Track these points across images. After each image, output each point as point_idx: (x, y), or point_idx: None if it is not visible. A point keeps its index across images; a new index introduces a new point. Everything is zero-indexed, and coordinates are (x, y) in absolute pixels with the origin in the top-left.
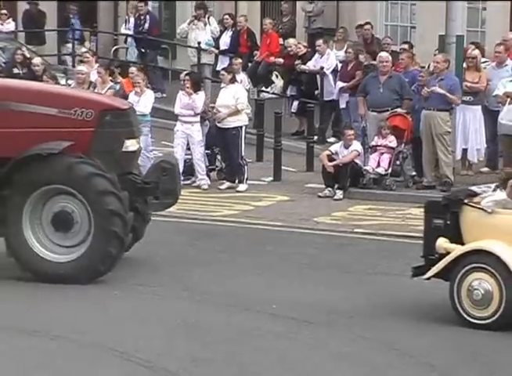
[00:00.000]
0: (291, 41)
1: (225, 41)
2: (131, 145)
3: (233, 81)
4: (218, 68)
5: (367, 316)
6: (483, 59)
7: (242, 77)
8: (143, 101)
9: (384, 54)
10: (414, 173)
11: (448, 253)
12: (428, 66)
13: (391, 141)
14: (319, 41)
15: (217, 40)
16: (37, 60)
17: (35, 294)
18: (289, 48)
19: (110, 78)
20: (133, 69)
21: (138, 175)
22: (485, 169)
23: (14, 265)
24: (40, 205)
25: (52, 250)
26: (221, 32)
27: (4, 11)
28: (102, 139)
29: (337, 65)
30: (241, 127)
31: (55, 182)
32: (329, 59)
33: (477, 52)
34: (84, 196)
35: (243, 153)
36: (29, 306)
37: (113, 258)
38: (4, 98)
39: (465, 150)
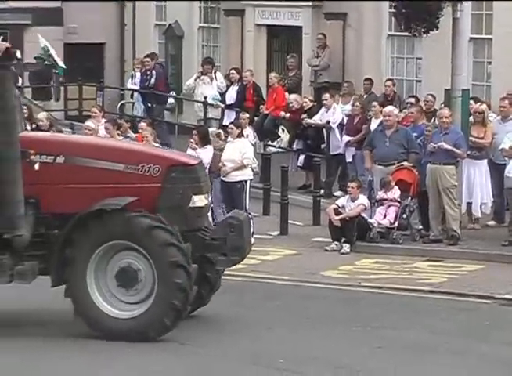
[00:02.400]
0: (292, 97)
1: (232, 95)
2: (198, 201)
3: (240, 135)
4: (225, 123)
5: (374, 370)
6: (490, 113)
7: (248, 131)
8: None
9: (387, 108)
10: (421, 227)
11: None
12: (434, 120)
13: (396, 193)
14: (326, 95)
15: (223, 94)
16: (41, 115)
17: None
18: (291, 105)
19: (118, 133)
20: (143, 124)
21: (208, 231)
22: (492, 223)
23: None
24: (104, 261)
25: (117, 307)
26: (227, 87)
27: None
28: (169, 194)
29: (343, 119)
30: (246, 181)
31: (117, 238)
32: (335, 113)
33: (484, 106)
34: (145, 250)
35: (247, 207)
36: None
37: (179, 311)
38: (71, 153)
39: (470, 204)
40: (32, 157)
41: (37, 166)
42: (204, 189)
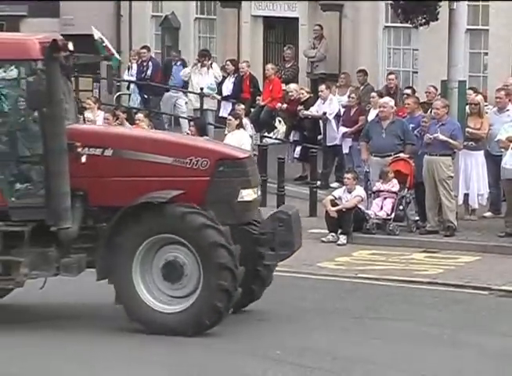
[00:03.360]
0: (292, 86)
1: (228, 86)
2: (247, 195)
3: (239, 126)
4: (221, 114)
5: (371, 361)
6: (485, 104)
7: (245, 122)
8: None
9: (383, 99)
10: (417, 218)
11: None
12: (430, 112)
13: (394, 186)
14: (322, 87)
15: (219, 86)
16: None
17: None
18: (290, 94)
19: (115, 124)
20: (139, 115)
21: (257, 225)
22: (488, 214)
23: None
24: (151, 254)
25: (160, 300)
26: (224, 78)
27: None
28: (217, 188)
29: (339, 110)
30: None
31: (167, 232)
32: (331, 104)
33: (480, 97)
34: (194, 247)
35: None
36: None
37: (220, 313)
38: (120, 146)
39: (467, 195)
40: (79, 149)
41: (84, 158)
42: (253, 183)
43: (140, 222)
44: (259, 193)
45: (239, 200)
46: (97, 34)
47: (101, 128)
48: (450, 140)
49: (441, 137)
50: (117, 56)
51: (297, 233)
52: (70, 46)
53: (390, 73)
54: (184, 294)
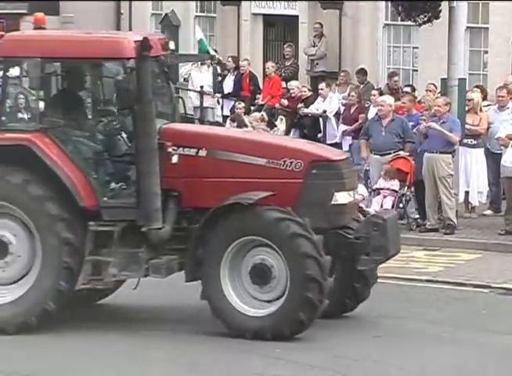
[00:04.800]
0: (294, 83)
1: (229, 84)
2: (341, 198)
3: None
4: (224, 112)
5: (371, 360)
6: (486, 103)
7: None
8: None
9: (381, 98)
10: (417, 216)
11: None
12: (431, 110)
13: (394, 184)
14: (322, 85)
15: (220, 83)
16: (41, 105)
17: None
18: (292, 91)
19: None
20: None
21: (352, 228)
22: (488, 212)
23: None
24: (240, 256)
25: (247, 302)
26: (224, 76)
27: None
28: (311, 191)
29: (339, 108)
30: None
31: (256, 234)
32: (331, 102)
33: (474, 95)
34: (284, 254)
35: None
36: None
37: (303, 324)
38: (214, 146)
39: (467, 193)
40: (170, 149)
41: (175, 158)
42: (348, 186)
43: (228, 224)
44: (356, 196)
45: (332, 203)
46: (199, 35)
47: (196, 128)
48: (445, 131)
49: (436, 126)
50: (219, 57)
51: (393, 238)
52: (172, 45)
53: (393, 73)
54: (270, 299)
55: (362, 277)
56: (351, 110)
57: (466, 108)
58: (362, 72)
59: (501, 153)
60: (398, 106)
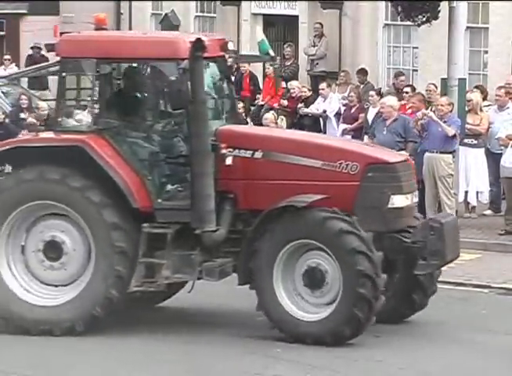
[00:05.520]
0: (294, 83)
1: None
2: (398, 201)
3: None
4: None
5: (371, 359)
6: (486, 103)
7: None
8: None
9: (382, 99)
10: None
11: None
12: (431, 109)
13: None
14: (323, 85)
15: (218, 82)
16: (43, 104)
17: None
18: (292, 90)
19: None
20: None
21: (410, 232)
22: (488, 212)
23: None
24: (293, 260)
25: (301, 307)
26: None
27: (7, 56)
28: (367, 194)
29: (339, 108)
30: None
31: (307, 237)
32: (331, 102)
33: (473, 95)
34: (334, 253)
35: None
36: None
37: (360, 322)
38: (270, 148)
39: (467, 193)
40: (223, 150)
41: (230, 160)
42: (405, 189)
43: (281, 227)
44: (415, 199)
45: (389, 206)
46: (260, 36)
47: (252, 130)
48: (441, 123)
49: (433, 117)
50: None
51: (451, 243)
52: (230, 46)
53: (400, 73)
54: (325, 302)
55: (420, 288)
56: (352, 110)
57: (467, 108)
58: (363, 72)
59: (501, 154)
60: (401, 106)
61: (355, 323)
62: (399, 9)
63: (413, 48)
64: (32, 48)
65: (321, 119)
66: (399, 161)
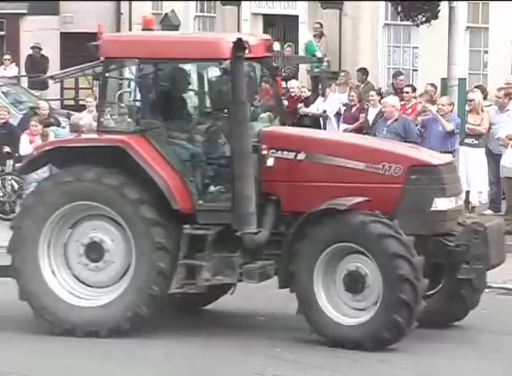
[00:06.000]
0: (294, 83)
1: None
2: (441, 204)
3: None
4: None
5: (371, 359)
6: (487, 102)
7: None
8: None
9: (384, 99)
10: None
11: None
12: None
13: None
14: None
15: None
16: (44, 104)
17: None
18: (291, 90)
19: None
20: None
21: (454, 235)
22: (488, 212)
23: None
24: (334, 263)
25: (342, 311)
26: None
27: (7, 56)
28: (410, 196)
29: (339, 108)
30: None
31: (347, 240)
32: (332, 102)
33: (475, 95)
34: (374, 257)
35: None
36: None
37: (401, 327)
38: (313, 150)
39: (467, 193)
40: (265, 152)
41: (272, 162)
42: (449, 192)
43: (321, 230)
44: (459, 202)
45: (432, 209)
46: (308, 37)
47: (295, 131)
48: (440, 117)
49: (431, 108)
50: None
51: (496, 247)
52: (276, 46)
53: (399, 73)
54: (365, 306)
55: (469, 284)
56: (352, 110)
57: (468, 108)
58: (363, 71)
59: (502, 154)
60: (401, 106)
61: (395, 328)
62: (399, 8)
63: (413, 48)
64: (32, 48)
65: (321, 119)
66: (443, 164)
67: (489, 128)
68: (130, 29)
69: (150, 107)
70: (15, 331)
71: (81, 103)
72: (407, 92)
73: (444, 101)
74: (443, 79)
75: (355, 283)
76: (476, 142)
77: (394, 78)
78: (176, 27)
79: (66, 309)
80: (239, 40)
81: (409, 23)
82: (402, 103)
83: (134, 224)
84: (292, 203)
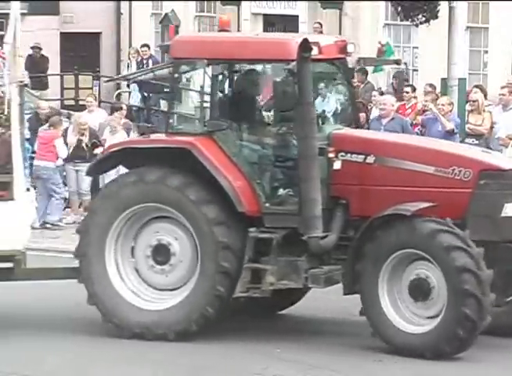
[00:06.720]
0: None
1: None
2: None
3: None
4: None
5: (371, 359)
6: (487, 102)
7: None
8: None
9: (382, 97)
10: None
11: None
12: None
13: None
14: (321, 85)
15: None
16: (44, 104)
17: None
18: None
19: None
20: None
21: None
22: None
23: None
24: (400, 270)
25: (406, 318)
26: (224, 76)
27: None
28: (479, 202)
29: (337, 108)
30: None
31: (413, 247)
32: (329, 102)
33: (478, 95)
34: (441, 268)
35: None
36: None
37: (462, 341)
38: (382, 153)
39: None
40: (331, 154)
41: (339, 165)
42: None
43: (386, 235)
44: None
45: (503, 215)
46: (386, 39)
47: (365, 134)
48: (440, 116)
49: (434, 109)
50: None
51: None
52: (351, 48)
53: (398, 73)
54: (429, 315)
55: None
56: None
57: (470, 108)
58: (363, 71)
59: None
60: (400, 106)
61: (456, 341)
62: (399, 8)
63: (413, 48)
64: (32, 48)
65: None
66: None
67: (491, 127)
68: (130, 29)
69: (220, 109)
70: (15, 331)
71: (81, 103)
72: (407, 92)
73: (444, 101)
74: (443, 79)
75: (420, 291)
76: (476, 142)
77: (394, 79)
78: (176, 27)
79: (134, 313)
80: (305, 40)
81: (409, 23)
82: (402, 102)
83: (197, 224)
84: (361, 207)
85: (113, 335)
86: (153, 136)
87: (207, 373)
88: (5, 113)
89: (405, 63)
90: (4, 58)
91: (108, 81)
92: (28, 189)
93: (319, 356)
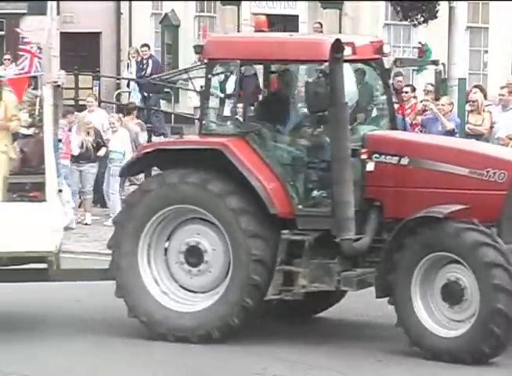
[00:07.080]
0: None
1: (231, 85)
2: None
3: None
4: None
5: (371, 359)
6: (486, 102)
7: None
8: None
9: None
10: None
11: None
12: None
13: None
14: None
15: (222, 84)
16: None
17: None
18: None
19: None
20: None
21: None
22: None
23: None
24: (432, 273)
25: (440, 322)
26: (227, 76)
27: (7, 56)
28: None
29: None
30: None
31: (443, 250)
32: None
33: (478, 95)
34: (470, 266)
35: None
36: None
37: (499, 339)
38: (417, 154)
39: None
40: (364, 156)
41: (372, 166)
42: None
43: (418, 238)
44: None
45: None
46: (424, 39)
47: (398, 136)
48: (441, 116)
49: (434, 109)
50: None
51: None
52: (386, 49)
53: (398, 73)
54: (464, 318)
55: None
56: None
57: (470, 108)
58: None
59: None
60: (400, 106)
61: (493, 340)
62: (398, 8)
63: (413, 48)
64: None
65: None
66: None
67: (491, 127)
68: (130, 29)
69: (253, 110)
70: (15, 331)
71: (81, 103)
72: (406, 92)
73: (444, 101)
74: (443, 79)
75: (453, 294)
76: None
77: (394, 79)
78: (176, 27)
79: (163, 313)
80: (337, 41)
81: (408, 23)
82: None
83: (233, 233)
84: (395, 209)
85: (113, 335)
86: (186, 137)
87: (207, 373)
88: (37, 113)
89: (443, 64)
90: (40, 58)
91: (137, 81)
92: (61, 191)
93: (319, 356)
